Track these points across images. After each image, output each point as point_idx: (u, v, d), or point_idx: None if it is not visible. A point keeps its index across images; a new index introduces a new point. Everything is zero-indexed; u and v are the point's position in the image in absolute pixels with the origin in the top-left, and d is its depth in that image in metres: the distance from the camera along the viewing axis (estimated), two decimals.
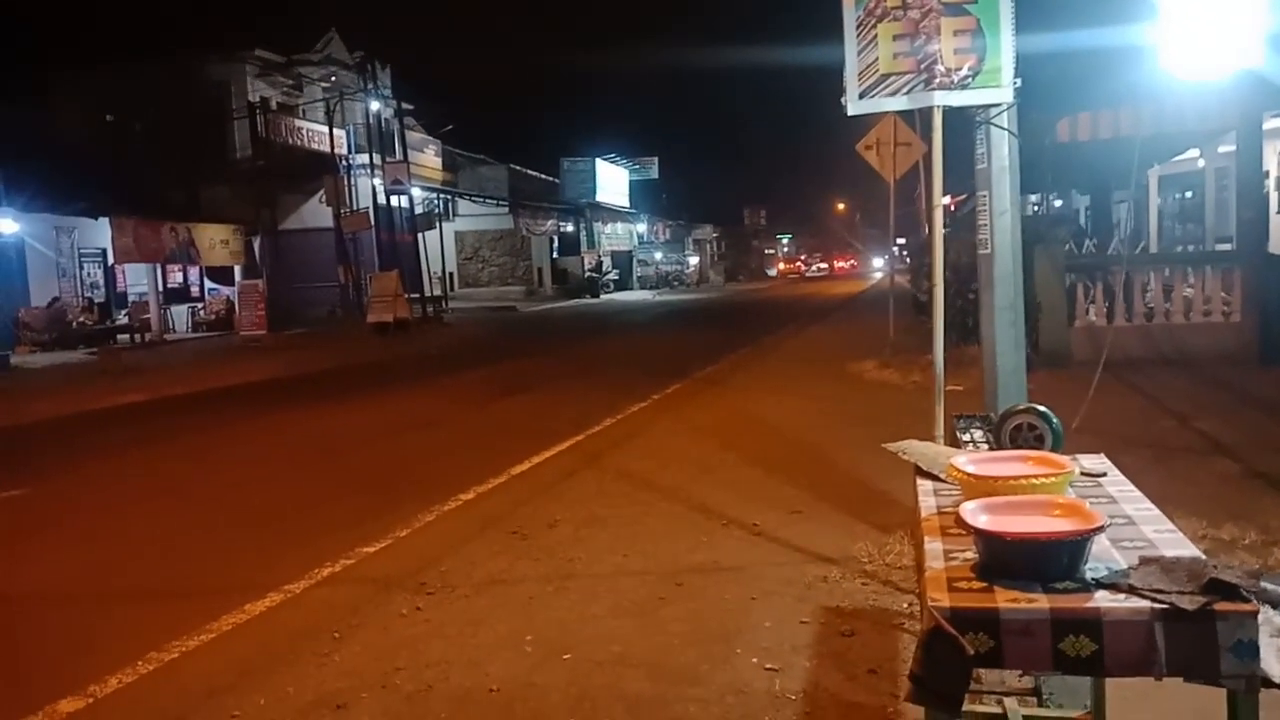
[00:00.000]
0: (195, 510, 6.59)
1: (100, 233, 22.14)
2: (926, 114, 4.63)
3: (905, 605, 3.89)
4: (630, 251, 54.58)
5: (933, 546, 1.98)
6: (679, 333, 21.64)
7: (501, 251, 42.91)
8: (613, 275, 48.95)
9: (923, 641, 1.69)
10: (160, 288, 24.24)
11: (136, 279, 24.14)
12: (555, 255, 45.71)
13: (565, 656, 3.64)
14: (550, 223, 44.72)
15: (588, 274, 45.29)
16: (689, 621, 3.93)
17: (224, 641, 4.00)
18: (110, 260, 23.29)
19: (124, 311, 23.76)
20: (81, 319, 21.98)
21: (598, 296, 42.36)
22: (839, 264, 78.04)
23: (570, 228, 46.78)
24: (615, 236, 54.13)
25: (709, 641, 3.70)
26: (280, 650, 3.84)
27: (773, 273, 75.76)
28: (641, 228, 58.06)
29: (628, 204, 54.35)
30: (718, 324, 23.79)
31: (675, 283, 53.91)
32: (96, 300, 23.46)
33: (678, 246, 62.86)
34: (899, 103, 4.37)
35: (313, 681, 3.54)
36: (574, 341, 20.34)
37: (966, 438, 2.94)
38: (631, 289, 49.42)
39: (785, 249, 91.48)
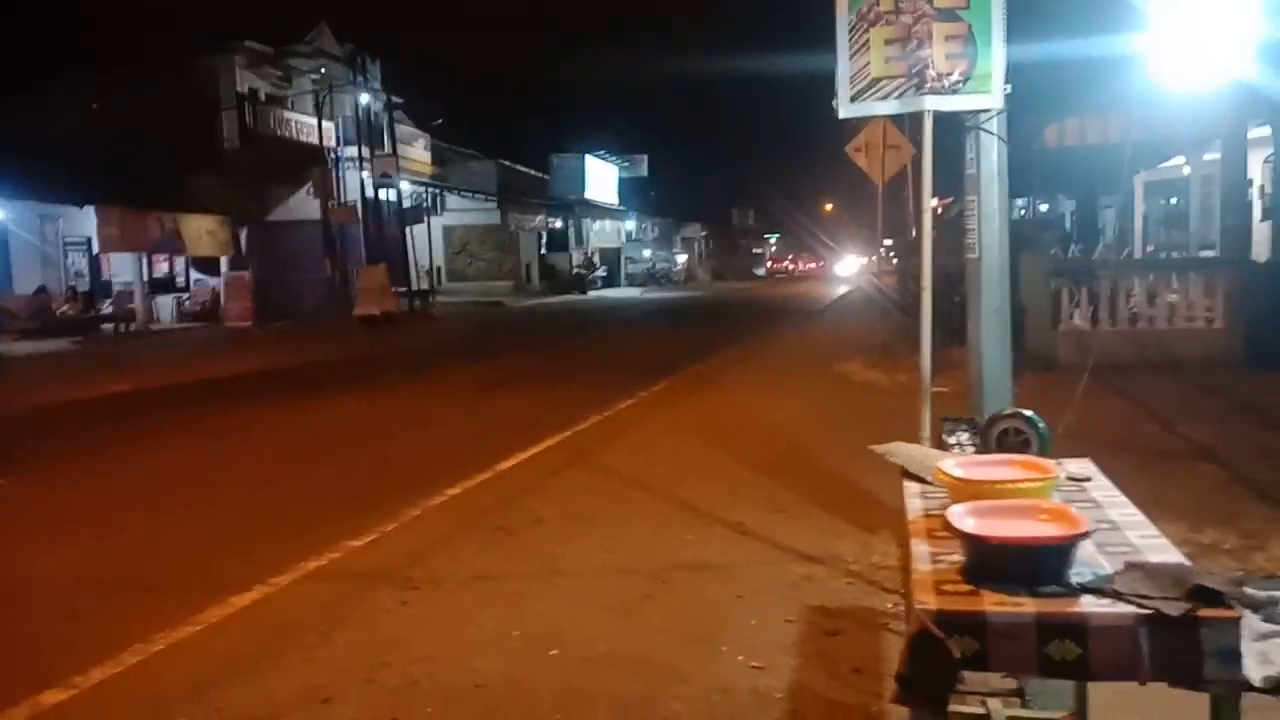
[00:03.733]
0: (180, 503, 6.55)
1: (86, 221, 21.99)
2: (916, 117, 4.66)
3: (890, 605, 3.92)
4: (619, 249, 54.59)
5: (920, 549, 1.99)
6: (667, 330, 21.66)
7: (490, 247, 42.82)
8: (601, 272, 48.94)
9: (909, 643, 1.71)
10: (146, 277, 24.08)
11: (122, 268, 23.97)
12: (543, 251, 45.65)
13: (552, 653, 3.65)
14: (539, 219, 44.65)
15: (576, 270, 45.26)
16: (675, 619, 3.94)
17: (209, 634, 3.99)
18: (95, 249, 23.11)
19: (109, 301, 23.59)
20: (66, 308, 21.81)
21: (586, 293, 42.34)
22: (805, 265, 79.74)
23: (559, 224, 46.74)
24: (604, 234, 54.13)
25: (694, 640, 3.72)
26: (266, 644, 3.83)
27: (761, 271, 75.90)
28: (630, 225, 58.06)
29: (617, 201, 54.34)
30: (705, 322, 23.83)
31: (663, 280, 53.95)
32: (81, 289, 23.28)
33: (666, 244, 62.91)
34: (890, 107, 4.40)
35: (298, 675, 3.54)
36: (561, 338, 20.33)
37: (953, 441, 2.96)
38: (620, 286, 49.43)
39: (773, 248, 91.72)
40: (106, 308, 23.24)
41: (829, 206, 79.87)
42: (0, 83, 25.11)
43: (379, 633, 3.93)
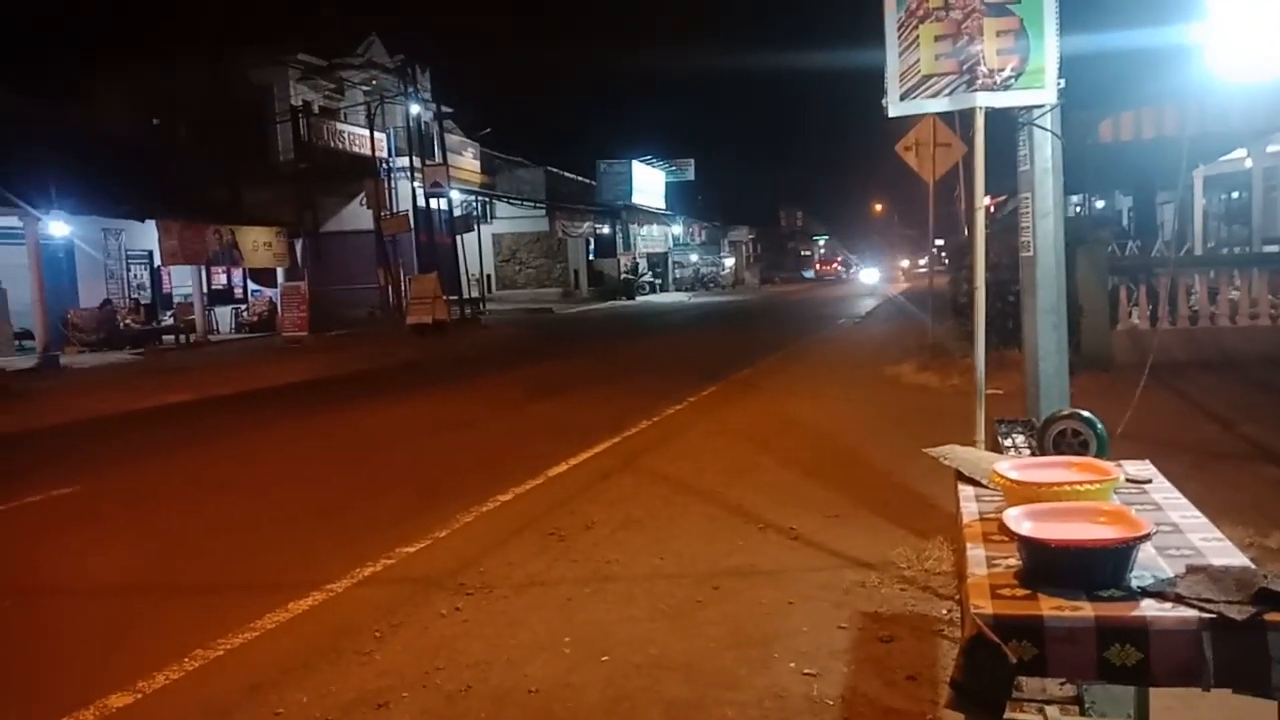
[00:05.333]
0: (239, 508, 6.70)
1: (147, 235, 22.55)
2: (967, 115, 4.59)
3: (945, 611, 3.86)
4: (666, 253, 54.61)
5: (975, 553, 1.97)
6: (714, 335, 21.59)
7: (538, 253, 43.15)
8: (648, 277, 49.01)
9: (964, 648, 1.69)
10: (205, 289, 24.63)
11: (181, 280, 24.54)
12: (591, 257, 45.84)
13: (603, 658, 3.66)
14: (586, 225, 44.86)
15: (623, 276, 45.38)
16: (726, 625, 3.93)
17: (268, 639, 4.07)
18: (157, 262, 23.70)
19: (169, 313, 24.18)
20: (129, 320, 22.40)
21: (633, 298, 42.42)
22: (824, 268, 78.64)
23: (606, 230, 46.91)
24: (651, 238, 54.20)
25: (746, 645, 3.70)
26: (323, 648, 3.90)
27: (809, 274, 75.37)
28: (677, 229, 58.05)
29: (664, 206, 54.38)
30: (753, 326, 23.73)
31: (711, 284, 53.82)
32: (143, 302, 23.89)
33: (713, 248, 62.78)
34: (940, 104, 4.35)
35: (354, 679, 3.59)
36: (610, 343, 20.39)
37: (1008, 443, 2.92)
38: (667, 291, 49.44)
39: (822, 250, 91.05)
40: (167, 319, 23.82)
41: (878, 207, 79.18)
42: (60, 98, 25.85)
43: (433, 637, 3.97)
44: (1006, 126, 4.48)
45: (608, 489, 6.46)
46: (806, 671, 3.42)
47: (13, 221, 18.57)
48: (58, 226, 19.17)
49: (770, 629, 3.85)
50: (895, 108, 4.37)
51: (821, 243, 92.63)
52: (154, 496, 7.17)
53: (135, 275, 24.48)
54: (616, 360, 16.47)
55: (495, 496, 6.30)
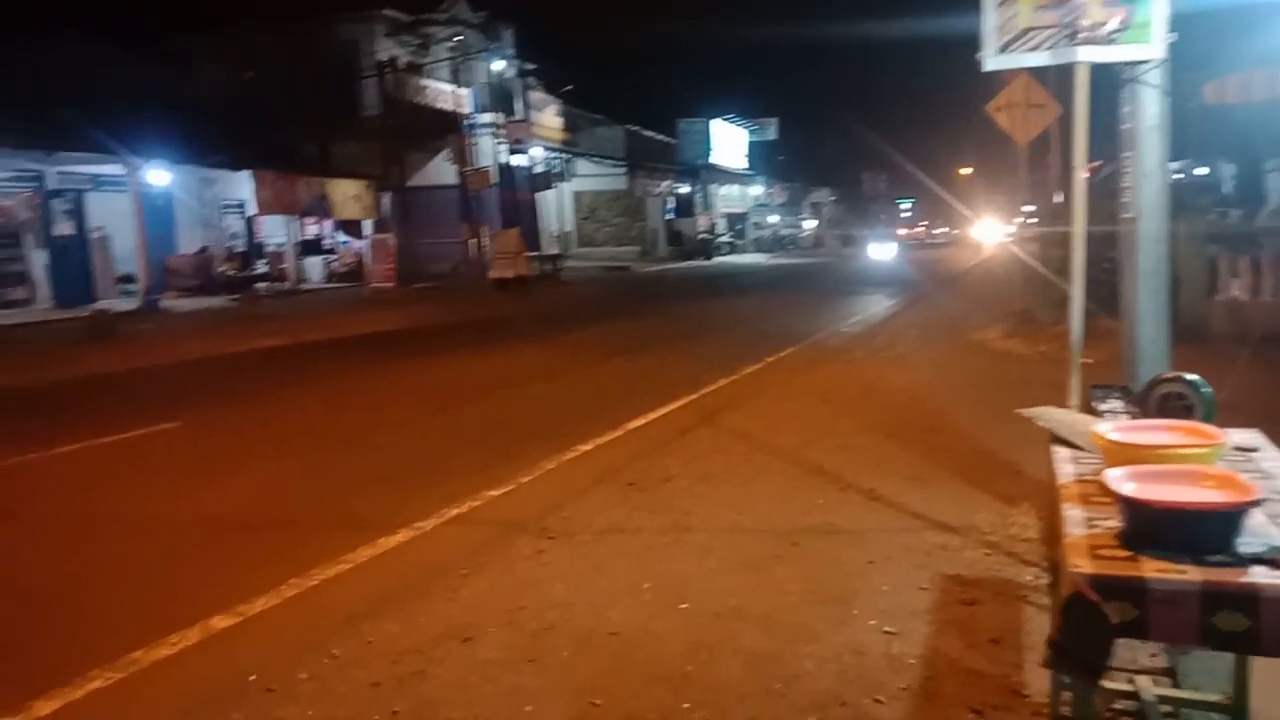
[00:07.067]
0: (331, 448, 6.96)
1: (240, 185, 23.24)
2: (1062, 74, 4.43)
3: (1030, 578, 3.81)
4: (745, 213, 54.14)
5: (1073, 513, 1.94)
6: (793, 297, 21.36)
7: (617, 212, 43.19)
8: (726, 237, 48.67)
9: (1062, 607, 1.68)
10: (297, 239, 25.33)
11: (273, 230, 25.28)
12: (670, 216, 45.71)
13: (682, 606, 3.72)
14: (666, 184, 44.69)
15: (701, 235, 45.16)
16: (804, 581, 3.95)
17: (360, 572, 4.24)
18: (251, 212, 24.43)
19: (263, 261, 24.96)
20: (225, 267, 23.21)
21: (711, 259, 42.22)
22: (909, 233, 76.49)
23: (686, 189, 46.67)
24: (730, 198, 53.74)
25: (825, 602, 3.72)
26: (412, 583, 4.04)
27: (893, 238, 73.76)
28: (758, 190, 57.42)
29: (745, 165, 53.77)
30: (833, 289, 23.39)
31: (790, 246, 53.21)
32: (238, 250, 24.70)
33: (794, 209, 61.97)
34: (1039, 58, 4.18)
35: (442, 614, 3.72)
36: (687, 302, 20.37)
37: (1105, 408, 2.85)
38: (745, 252, 49.06)
39: (906, 214, 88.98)
40: (261, 268, 24.60)
41: (966, 170, 76.92)
42: (161, 54, 26.62)
43: (517, 578, 4.08)
44: (1103, 88, 4.30)
45: (686, 444, 6.51)
46: (886, 630, 3.42)
47: (117, 170, 19.33)
48: (158, 175, 19.87)
49: (849, 587, 3.85)
50: (991, 61, 4.23)
51: (906, 206, 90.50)
52: (250, 435, 7.49)
53: (229, 225, 25.27)
54: (694, 319, 16.46)
55: (576, 446, 6.40)
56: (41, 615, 3.97)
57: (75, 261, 19.56)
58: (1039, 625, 3.35)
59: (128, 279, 20.58)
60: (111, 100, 18.89)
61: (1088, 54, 3.98)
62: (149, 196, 20.24)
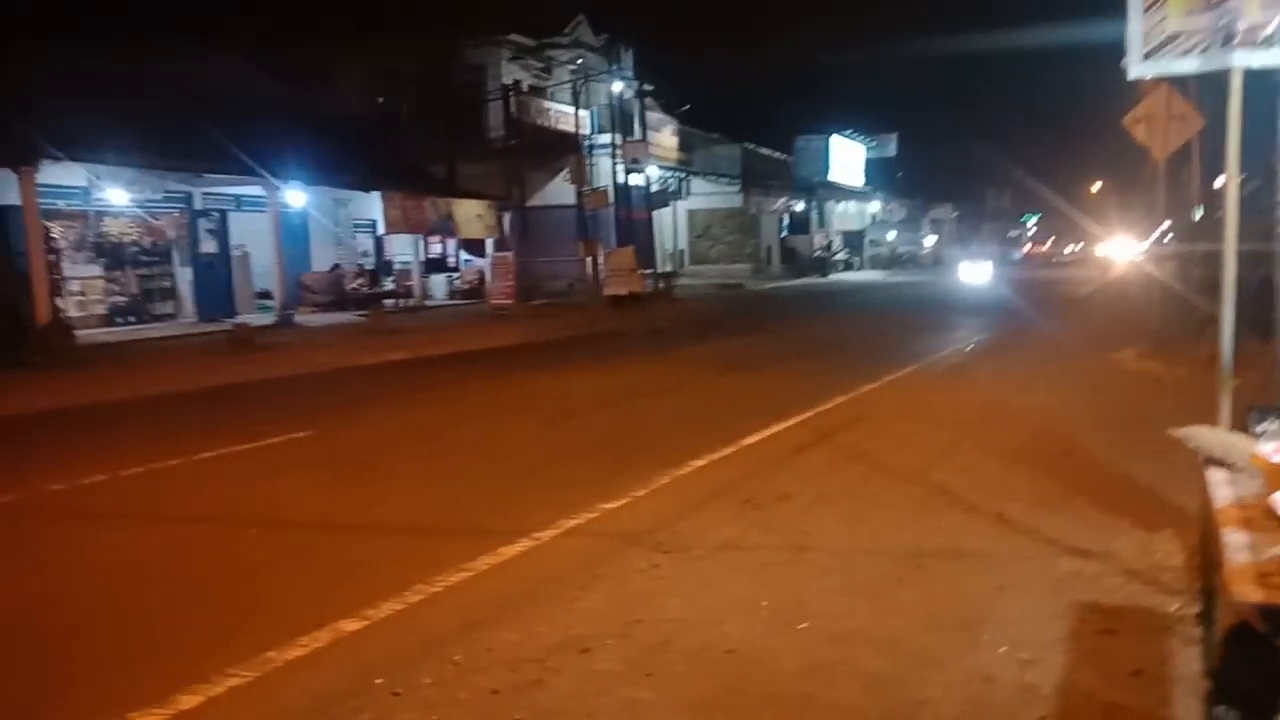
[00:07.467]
0: (453, 458, 7.14)
1: (370, 205, 24.19)
2: (1206, 85, 4.20)
3: (1175, 607, 3.58)
4: (862, 231, 53.21)
5: (1234, 538, 1.81)
6: (912, 316, 20.84)
7: (731, 229, 43.08)
8: (842, 255, 47.94)
9: (1224, 639, 1.56)
10: (422, 257, 26.20)
11: (400, 248, 26.21)
12: (784, 234, 45.34)
13: (800, 626, 3.64)
14: (781, 201, 44.39)
15: (816, 253, 44.62)
16: (928, 605, 3.81)
17: (480, 580, 4.32)
18: (379, 231, 25.41)
19: (390, 278, 25.91)
20: (355, 284, 24.19)
21: (826, 276, 41.66)
22: (1034, 250, 73.79)
23: (801, 206, 46.25)
24: (847, 215, 52.95)
25: (950, 627, 3.58)
26: (530, 593, 4.09)
27: (1017, 256, 71.30)
28: (875, 206, 56.41)
29: (862, 182, 52.92)
30: (954, 308, 22.71)
31: (909, 263, 51.99)
32: (367, 267, 25.72)
33: (913, 226, 60.57)
34: (1190, 65, 3.98)
35: (559, 624, 3.75)
36: (802, 320, 20.14)
37: (1262, 429, 2.66)
38: (862, 269, 48.20)
39: (1031, 231, 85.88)
40: (388, 284, 25.53)
41: (1095, 187, 73.77)
42: (299, 80, 27.98)
43: (632, 591, 4.08)
44: (1252, 99, 4.03)
45: (802, 462, 6.41)
46: (1018, 658, 3.27)
47: (256, 190, 20.41)
48: (294, 195, 20.87)
49: (976, 612, 3.70)
50: (1136, 68, 4.04)
51: (1031, 223, 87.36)
52: (378, 443, 7.75)
53: (360, 243, 26.33)
54: (809, 337, 16.26)
55: (690, 462, 6.38)
56: (182, 614, 4.18)
57: (218, 278, 20.72)
58: (1187, 658, 3.14)
59: (265, 295, 21.66)
60: (253, 122, 19.98)
61: (1243, 58, 3.76)
62: (286, 216, 21.30)
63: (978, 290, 29.65)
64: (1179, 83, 10.28)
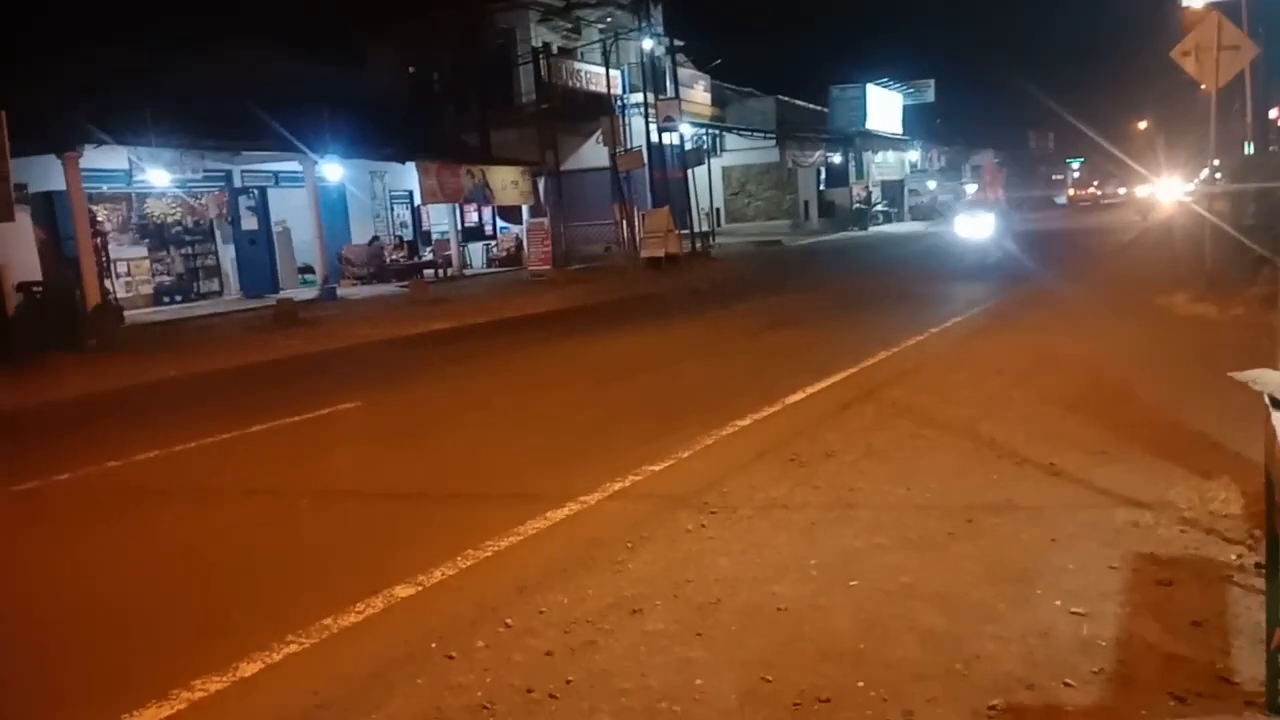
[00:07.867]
0: (498, 424, 7.20)
1: (407, 176, 24.25)
2: (1259, 10, 4.01)
3: (1234, 557, 3.52)
4: (901, 181, 52.29)
5: None
6: (953, 265, 20.51)
7: (768, 185, 42.58)
8: (882, 206, 47.20)
9: None
10: (459, 226, 26.27)
11: (438, 219, 26.30)
12: (822, 187, 44.67)
13: (852, 583, 3.63)
14: (818, 154, 43.70)
15: (855, 205, 43.96)
16: (981, 559, 3.78)
17: (530, 544, 4.36)
18: (417, 201, 25.50)
19: (429, 249, 26.04)
20: (394, 255, 24.35)
21: (866, 229, 41.07)
22: (1079, 193, 71.53)
23: (838, 158, 45.50)
24: (885, 165, 52.04)
25: (1005, 581, 3.54)
26: (579, 555, 4.12)
27: (1061, 200, 69.67)
28: (914, 155, 55.37)
29: (900, 131, 51.89)
30: (998, 255, 22.31)
31: (950, 213, 51.06)
32: (406, 238, 25.86)
33: (954, 174, 59.39)
34: None
35: (610, 586, 3.77)
36: (842, 275, 19.91)
37: None
38: (902, 220, 47.45)
39: (1075, 174, 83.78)
40: (427, 255, 25.67)
41: (1142, 125, 71.68)
42: (333, 56, 28.06)
43: (681, 552, 4.09)
44: None
45: (847, 418, 6.36)
46: (1074, 611, 3.23)
47: (294, 166, 20.56)
48: (332, 169, 20.98)
49: (1031, 565, 3.66)
50: None
51: (1076, 166, 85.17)
52: (424, 412, 7.84)
53: (398, 215, 26.46)
54: (850, 291, 16.07)
55: (734, 422, 6.36)
56: (240, 584, 4.27)
57: (260, 254, 20.96)
58: (1248, 608, 3.09)
59: (306, 269, 21.90)
60: (287, 97, 20.06)
61: None
62: (324, 190, 21.43)
63: (1021, 237, 29.03)
64: (1230, 10, 9.92)
